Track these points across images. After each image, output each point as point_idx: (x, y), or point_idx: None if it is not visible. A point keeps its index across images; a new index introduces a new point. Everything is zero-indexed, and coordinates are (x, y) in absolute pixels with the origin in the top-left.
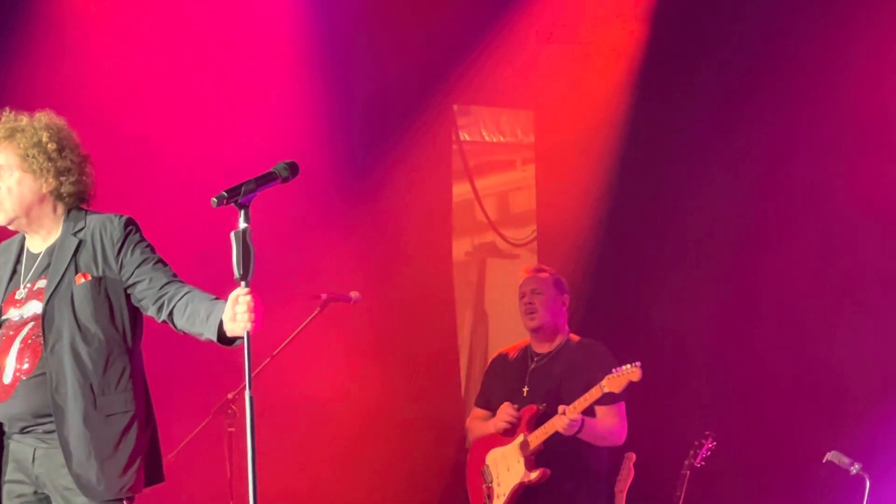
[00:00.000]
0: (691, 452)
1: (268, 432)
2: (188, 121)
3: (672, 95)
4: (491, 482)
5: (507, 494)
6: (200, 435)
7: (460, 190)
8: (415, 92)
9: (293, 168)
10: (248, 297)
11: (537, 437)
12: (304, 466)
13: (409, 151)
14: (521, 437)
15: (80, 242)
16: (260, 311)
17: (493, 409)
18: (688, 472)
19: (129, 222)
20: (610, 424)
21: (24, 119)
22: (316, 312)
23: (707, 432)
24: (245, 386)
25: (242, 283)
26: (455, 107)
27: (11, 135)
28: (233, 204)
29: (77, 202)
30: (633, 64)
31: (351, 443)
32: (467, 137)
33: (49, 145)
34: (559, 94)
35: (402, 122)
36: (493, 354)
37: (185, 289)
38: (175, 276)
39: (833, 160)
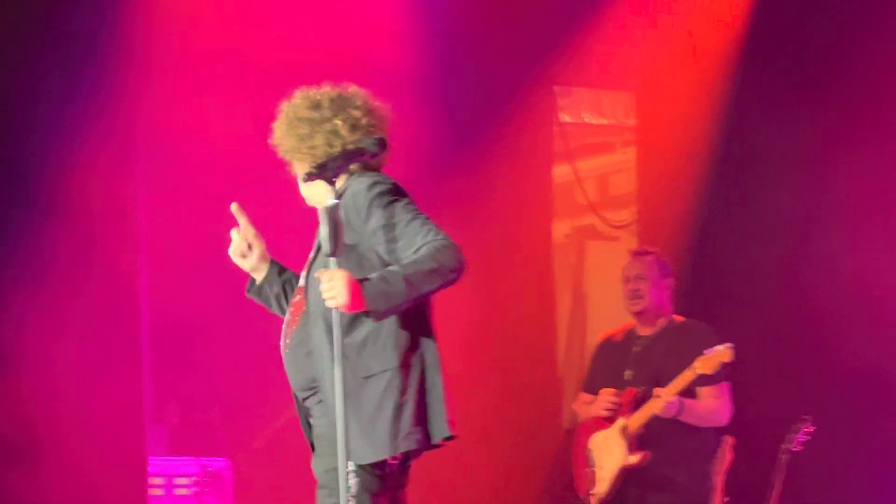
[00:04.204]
0: (788, 436)
1: None
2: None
3: (775, 75)
4: (594, 466)
5: (609, 478)
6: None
7: (560, 172)
8: (515, 73)
9: (382, 143)
10: (324, 276)
11: (636, 421)
12: None
13: (510, 133)
14: (621, 421)
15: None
16: (336, 289)
17: (598, 392)
18: (786, 457)
19: (373, 185)
20: (711, 405)
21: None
22: None
23: (805, 416)
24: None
25: (332, 260)
26: (556, 88)
27: None
28: (322, 179)
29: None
30: (735, 45)
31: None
32: (568, 119)
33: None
34: (660, 76)
35: (503, 103)
36: (593, 337)
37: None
38: (414, 243)
39: None
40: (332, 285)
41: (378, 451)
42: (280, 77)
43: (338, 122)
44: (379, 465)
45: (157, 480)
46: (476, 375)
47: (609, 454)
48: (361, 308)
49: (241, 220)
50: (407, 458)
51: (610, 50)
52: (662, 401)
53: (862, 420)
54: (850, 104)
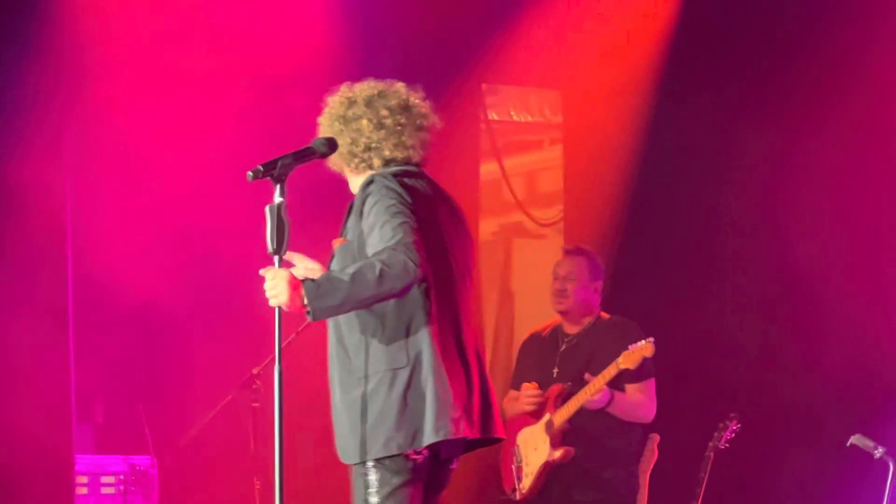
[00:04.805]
0: (716, 434)
1: (291, 409)
2: (214, 98)
3: (703, 74)
4: (520, 462)
5: (534, 474)
6: (224, 410)
7: (488, 169)
8: (443, 70)
9: (331, 144)
10: (267, 274)
11: (561, 416)
12: (326, 442)
13: (437, 130)
14: (546, 417)
15: (351, 205)
16: (278, 288)
17: None
18: (712, 454)
19: (367, 185)
20: (638, 399)
21: None
22: None
23: (732, 414)
24: (273, 360)
25: (276, 258)
26: (483, 86)
27: None
28: (269, 178)
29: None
30: (663, 43)
31: None
32: (495, 117)
33: None
34: (587, 74)
35: (431, 100)
36: (521, 335)
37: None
38: (378, 246)
39: (864, 154)
40: (273, 284)
41: (359, 452)
42: (207, 70)
43: (364, 120)
44: (395, 460)
45: (82, 479)
46: None
47: (534, 450)
48: (302, 309)
49: (294, 259)
50: (437, 454)
51: (537, 47)
52: (592, 391)
53: (785, 418)
54: (777, 101)
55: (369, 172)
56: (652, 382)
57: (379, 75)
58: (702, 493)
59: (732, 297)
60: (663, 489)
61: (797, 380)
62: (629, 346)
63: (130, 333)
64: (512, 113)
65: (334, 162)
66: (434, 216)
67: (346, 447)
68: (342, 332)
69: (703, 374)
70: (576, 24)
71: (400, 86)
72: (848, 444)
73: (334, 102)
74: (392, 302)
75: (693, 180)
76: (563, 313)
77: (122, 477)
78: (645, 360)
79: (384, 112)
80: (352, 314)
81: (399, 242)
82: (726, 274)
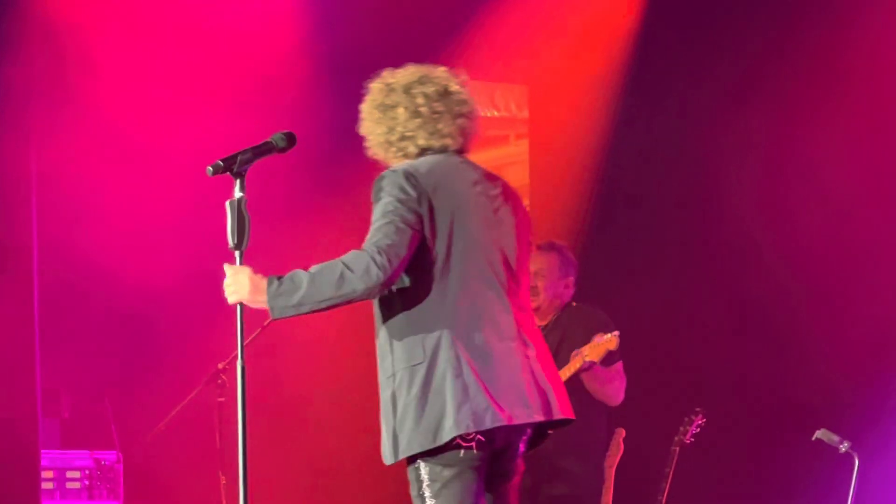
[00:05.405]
0: (681, 429)
1: (257, 405)
2: (181, 98)
3: (670, 68)
4: None
5: None
6: (190, 405)
7: None
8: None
9: (290, 138)
10: (229, 270)
11: None
12: (294, 437)
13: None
14: None
15: None
16: (238, 284)
17: None
18: (677, 449)
19: (377, 182)
20: (611, 375)
21: None
22: None
23: (697, 409)
24: (237, 356)
25: (237, 254)
26: None
27: None
28: (228, 173)
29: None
30: (630, 38)
31: (340, 413)
32: None
33: None
34: (553, 69)
35: None
36: None
37: None
38: (369, 237)
39: (834, 145)
40: (234, 280)
41: (391, 454)
42: (181, 52)
43: (400, 108)
44: (445, 453)
45: (48, 474)
46: (371, 367)
47: None
48: (263, 305)
49: None
50: (491, 442)
51: (503, 42)
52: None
53: (751, 412)
54: (742, 98)
55: (406, 161)
56: (620, 365)
57: (344, 71)
58: (667, 488)
59: (699, 291)
60: (629, 484)
61: (763, 374)
62: (595, 339)
63: (97, 327)
64: (478, 108)
65: (375, 152)
66: (462, 204)
67: (384, 448)
68: (379, 332)
69: (669, 368)
70: (542, 19)
71: (441, 71)
72: (813, 438)
73: (374, 90)
74: (409, 297)
75: (659, 174)
76: (534, 310)
77: (87, 472)
78: (609, 352)
79: (420, 100)
80: (378, 312)
81: (372, 245)
82: (693, 268)
